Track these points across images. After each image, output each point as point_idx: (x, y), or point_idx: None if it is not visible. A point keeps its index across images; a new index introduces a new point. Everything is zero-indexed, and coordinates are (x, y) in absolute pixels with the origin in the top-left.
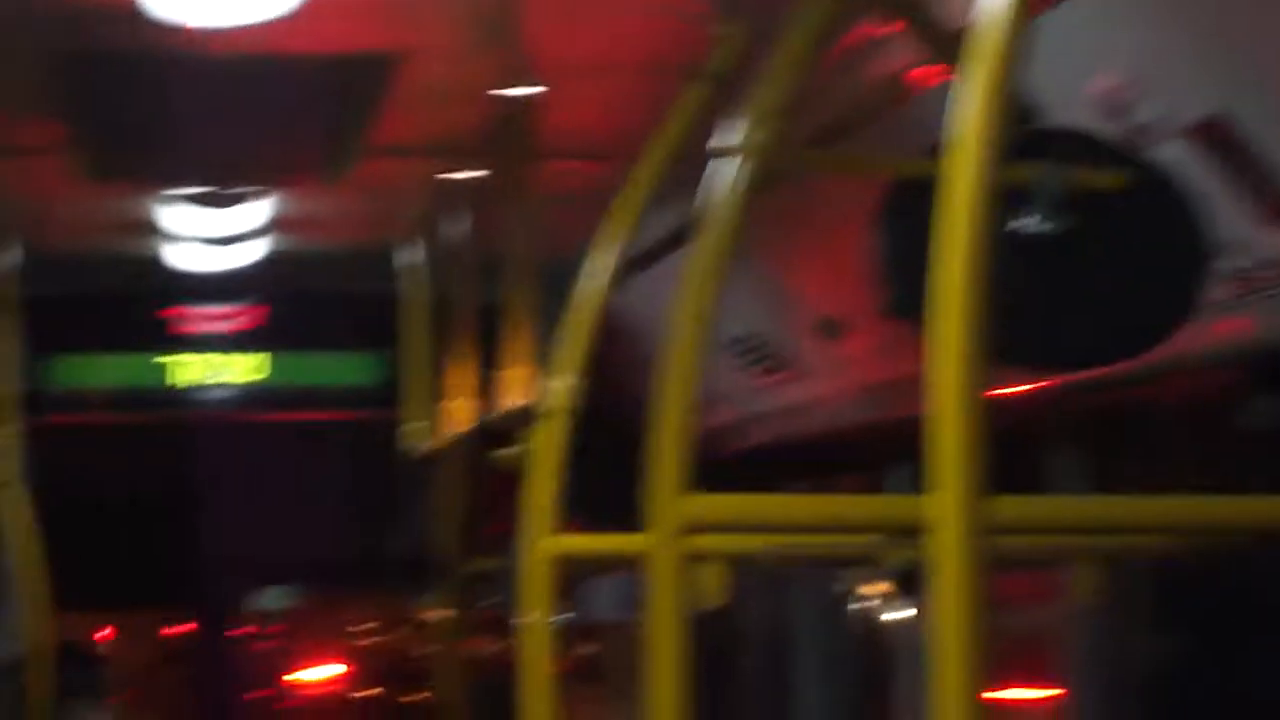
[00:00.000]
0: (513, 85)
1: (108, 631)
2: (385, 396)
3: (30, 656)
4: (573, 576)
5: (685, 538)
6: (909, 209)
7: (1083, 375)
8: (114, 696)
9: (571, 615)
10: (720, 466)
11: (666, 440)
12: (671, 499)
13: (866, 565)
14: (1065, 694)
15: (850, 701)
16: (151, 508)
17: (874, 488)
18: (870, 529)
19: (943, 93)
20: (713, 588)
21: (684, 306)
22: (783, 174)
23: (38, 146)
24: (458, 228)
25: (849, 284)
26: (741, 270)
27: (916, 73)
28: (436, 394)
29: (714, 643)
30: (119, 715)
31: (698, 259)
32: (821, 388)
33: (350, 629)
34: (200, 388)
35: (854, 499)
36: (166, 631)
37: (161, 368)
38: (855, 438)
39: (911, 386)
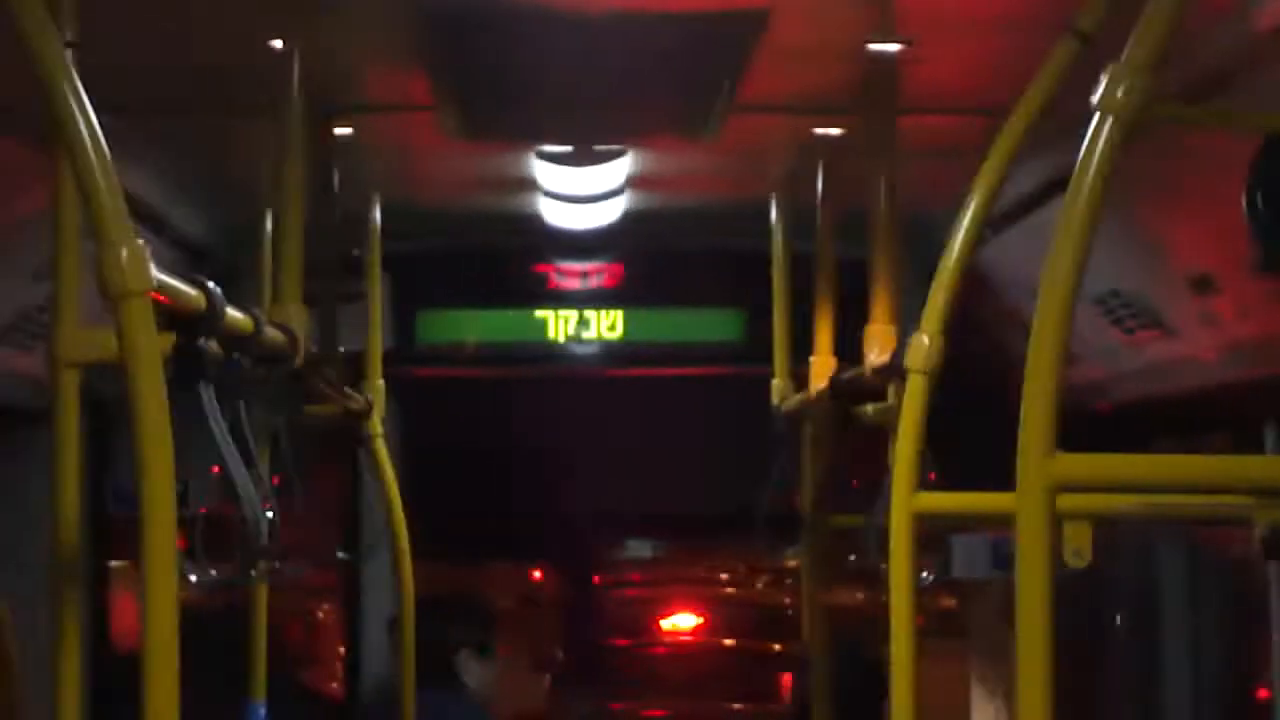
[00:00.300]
0: (880, 40)
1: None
2: (750, 352)
3: (399, 607)
4: (936, 533)
5: (1053, 496)
6: None
7: None
8: (502, 647)
9: (935, 573)
10: (1088, 424)
11: (1036, 399)
12: (1040, 458)
13: (1237, 526)
14: None
15: (1221, 663)
16: (519, 461)
17: (1244, 447)
18: (1242, 490)
19: None
20: (1081, 547)
21: (1055, 263)
22: (1155, 129)
23: (404, 103)
24: (822, 183)
25: (1222, 239)
26: (1111, 226)
27: None
28: (802, 351)
29: (1082, 602)
30: (505, 666)
31: (1069, 214)
32: (1192, 345)
33: (713, 577)
34: (565, 343)
35: (1225, 459)
36: (536, 581)
37: (526, 323)
38: (1226, 396)
39: None
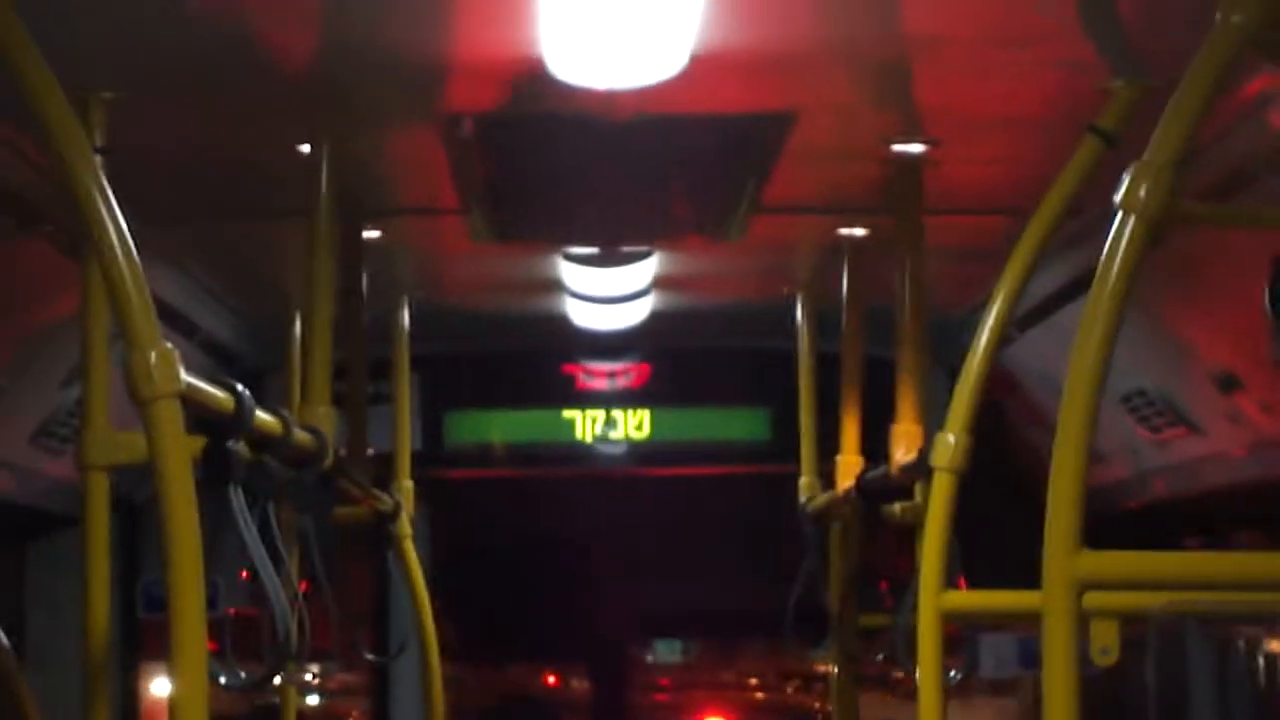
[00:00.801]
0: (903, 141)
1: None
2: (777, 451)
3: (426, 707)
4: (965, 633)
5: (1080, 594)
6: None
7: None
8: None
9: (962, 672)
10: (1115, 523)
11: (1062, 496)
12: (1067, 555)
13: (1264, 622)
14: None
15: None
16: (545, 562)
17: (1274, 544)
18: (1269, 586)
19: None
20: (1108, 644)
21: (1079, 361)
22: (1178, 228)
23: (432, 206)
24: (847, 282)
25: (1246, 337)
26: (1137, 325)
27: None
28: (828, 449)
29: (1110, 699)
30: None
31: (1092, 313)
32: (1217, 443)
33: (742, 681)
34: (593, 443)
35: (1251, 555)
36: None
37: (554, 423)
38: (1254, 492)
39: None
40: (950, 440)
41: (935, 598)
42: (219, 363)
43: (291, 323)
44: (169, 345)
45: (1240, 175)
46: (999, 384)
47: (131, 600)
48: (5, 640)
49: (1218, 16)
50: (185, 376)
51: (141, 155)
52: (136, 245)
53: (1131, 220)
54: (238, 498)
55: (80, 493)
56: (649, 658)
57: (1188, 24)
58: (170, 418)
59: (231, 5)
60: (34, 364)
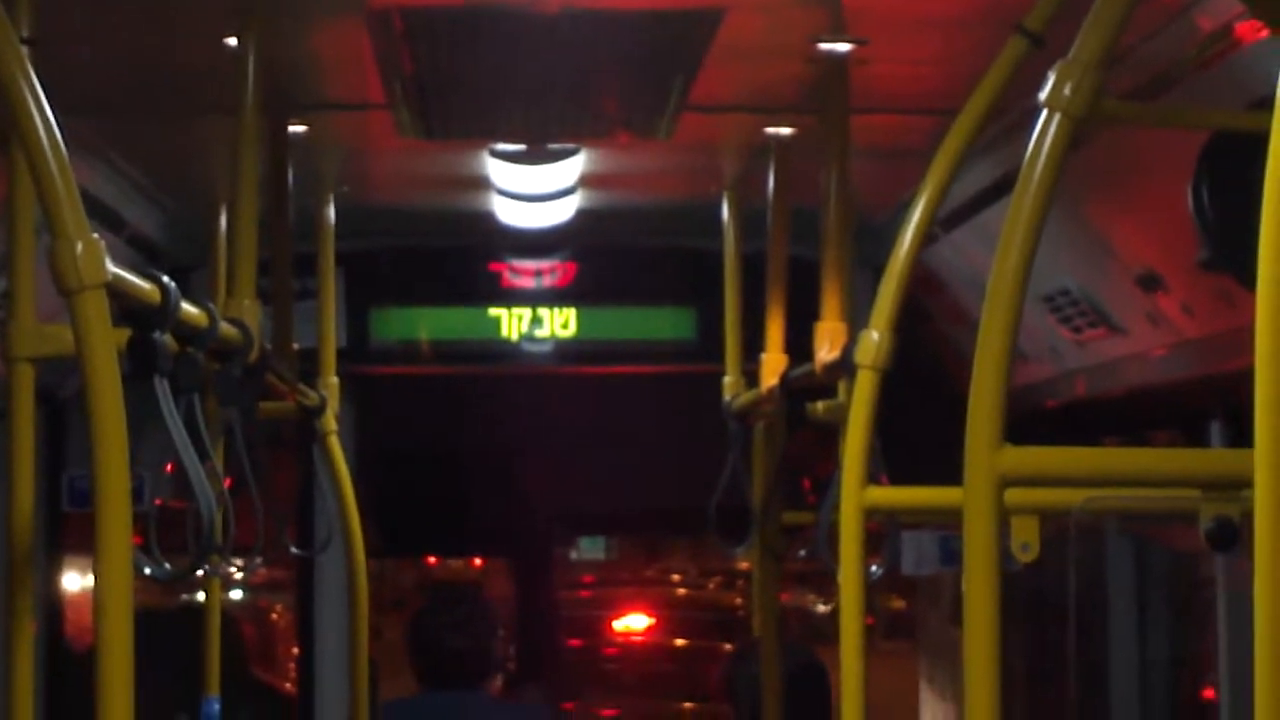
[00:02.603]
0: (830, 40)
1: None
2: (702, 350)
3: (350, 602)
4: (886, 530)
5: (1001, 490)
6: (1231, 162)
7: None
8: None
9: (883, 568)
10: (1036, 422)
11: (983, 394)
12: (987, 452)
13: (1183, 520)
14: None
15: (1166, 657)
16: (470, 459)
17: (1191, 444)
18: (1187, 483)
19: (1270, 46)
20: (1029, 540)
21: (1002, 260)
22: (1102, 127)
23: (358, 102)
24: (773, 182)
25: (1169, 238)
26: (1060, 224)
27: (1245, 25)
28: (754, 348)
29: (1031, 597)
30: None
31: (1016, 212)
32: (1139, 343)
33: (665, 579)
34: (519, 341)
35: (1171, 452)
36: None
37: (479, 321)
38: (1173, 393)
39: (1232, 340)
40: (874, 338)
41: (857, 494)
42: (146, 258)
43: (217, 218)
44: (95, 236)
45: (1167, 76)
46: (924, 283)
47: (56, 494)
48: None
49: None
50: (111, 268)
51: (67, 46)
52: (63, 136)
53: (1056, 119)
54: (163, 390)
55: (5, 385)
56: (573, 555)
57: None
58: (96, 309)
59: None
60: None
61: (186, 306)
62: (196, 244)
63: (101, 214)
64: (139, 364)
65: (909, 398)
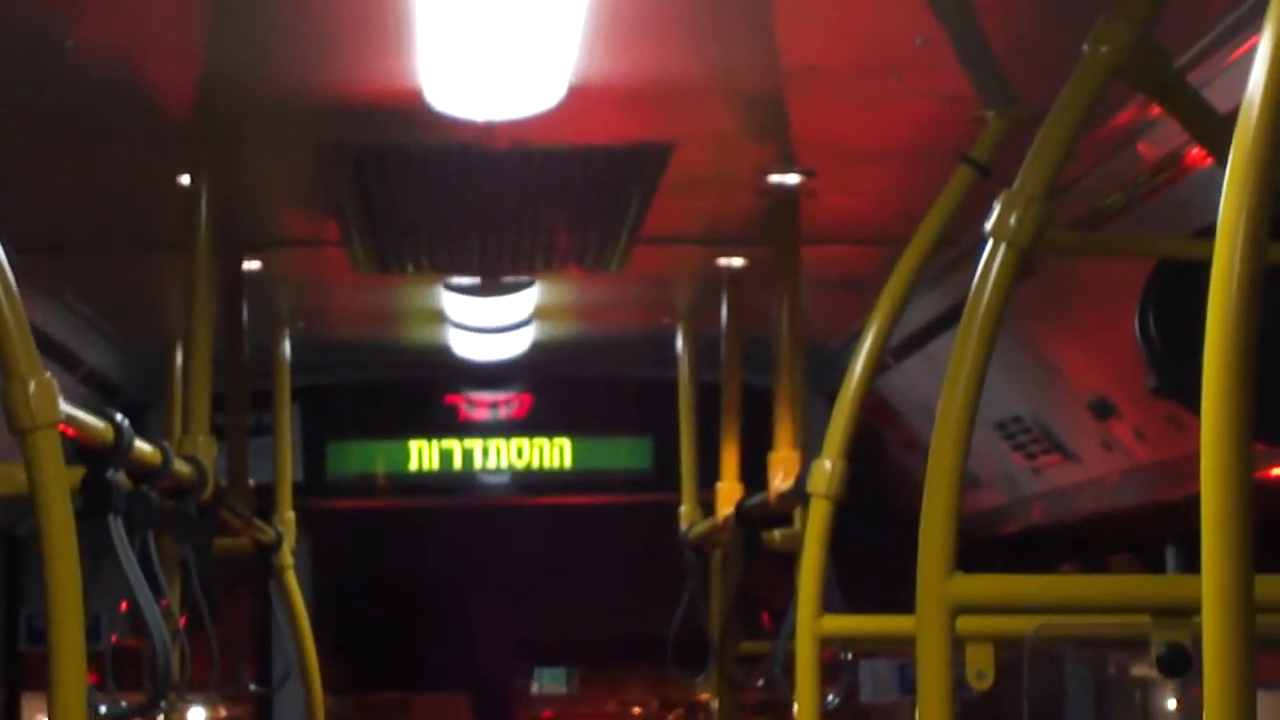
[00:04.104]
0: (780, 172)
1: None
2: (658, 480)
3: None
4: (843, 658)
5: (953, 618)
6: (1177, 288)
7: None
8: None
9: (840, 697)
10: (993, 549)
11: (934, 521)
12: (938, 580)
13: (1135, 646)
14: None
15: None
16: (429, 592)
17: (1147, 568)
18: (1139, 609)
19: (1213, 173)
20: (984, 668)
21: (950, 388)
22: (1052, 256)
23: (312, 238)
24: (726, 312)
25: (1120, 364)
26: (1012, 352)
27: (1189, 153)
28: (709, 477)
29: None
30: None
31: (963, 340)
32: (1092, 469)
33: (626, 711)
34: (476, 473)
35: (1123, 579)
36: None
37: (436, 454)
38: (1126, 519)
39: (1182, 466)
40: (826, 467)
41: (812, 623)
42: (102, 396)
43: (173, 354)
44: (48, 375)
45: (1113, 205)
46: (877, 412)
47: (14, 632)
48: None
49: (1086, 47)
50: (64, 407)
51: (20, 184)
52: (16, 276)
53: (1002, 249)
54: (117, 528)
55: None
56: (533, 687)
57: (1058, 55)
58: (49, 448)
59: (109, 38)
60: None
61: (140, 445)
62: (153, 381)
63: (57, 352)
64: (93, 502)
65: (865, 524)
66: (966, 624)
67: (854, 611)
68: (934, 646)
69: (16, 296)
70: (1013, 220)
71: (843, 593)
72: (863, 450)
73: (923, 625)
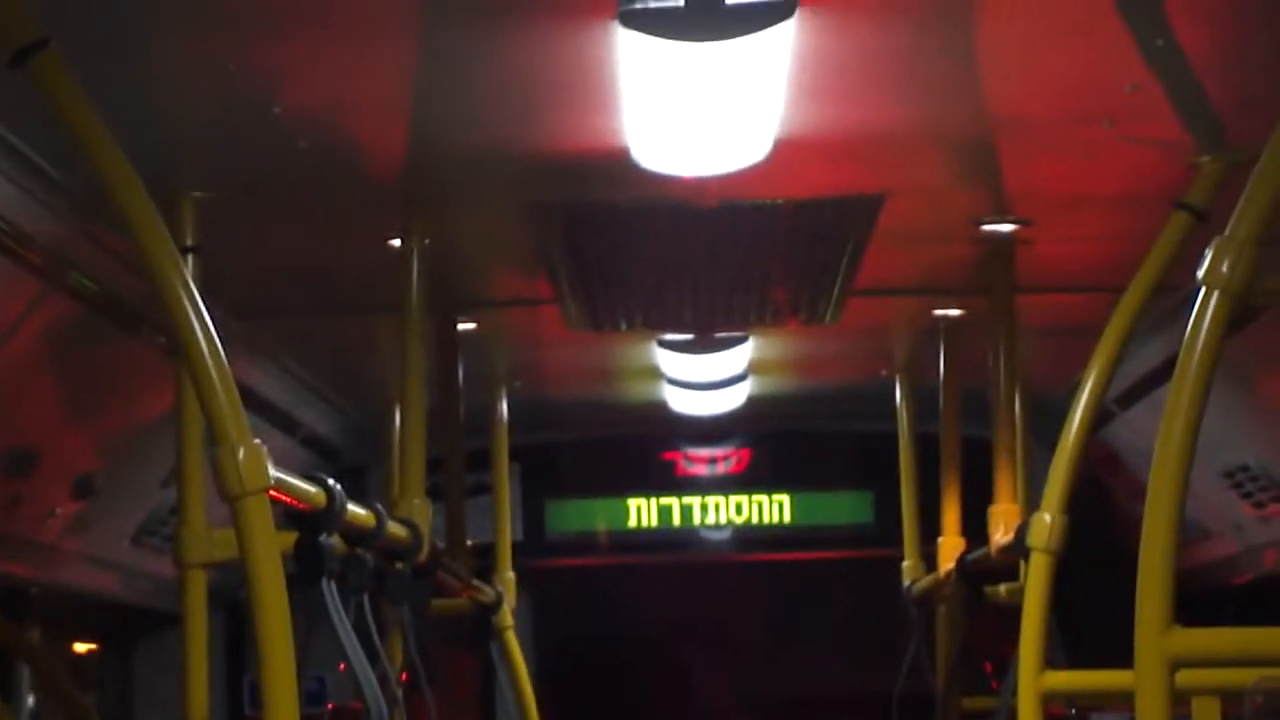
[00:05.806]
0: (994, 221)
1: None
2: (879, 534)
3: None
4: (1070, 714)
5: (1173, 672)
6: None
7: None
8: None
9: None
10: (1222, 599)
11: (1151, 576)
12: (1157, 634)
13: None
14: None
15: None
16: (649, 648)
17: None
18: None
19: None
20: None
21: (1166, 438)
22: (1270, 302)
23: (526, 298)
24: (943, 363)
25: None
26: (1238, 400)
27: None
28: (930, 531)
29: None
30: None
31: (1177, 389)
32: None
33: None
34: (695, 529)
35: None
36: None
37: (655, 511)
38: None
39: None
40: (1046, 520)
41: (1034, 679)
42: (322, 459)
43: (391, 417)
44: (257, 441)
45: None
46: (1103, 462)
47: (238, 698)
48: None
49: None
50: (274, 472)
51: (235, 252)
52: (231, 341)
53: (1215, 296)
54: (330, 592)
55: (178, 590)
56: None
57: (1274, 99)
58: (259, 513)
59: (319, 105)
60: (135, 464)
61: (353, 508)
62: (372, 443)
63: (277, 416)
64: (305, 566)
65: (1095, 576)
66: (1186, 677)
67: (1082, 665)
68: (1154, 701)
69: (225, 364)
70: (1225, 267)
71: (1075, 645)
72: (1090, 500)
73: (1141, 679)
